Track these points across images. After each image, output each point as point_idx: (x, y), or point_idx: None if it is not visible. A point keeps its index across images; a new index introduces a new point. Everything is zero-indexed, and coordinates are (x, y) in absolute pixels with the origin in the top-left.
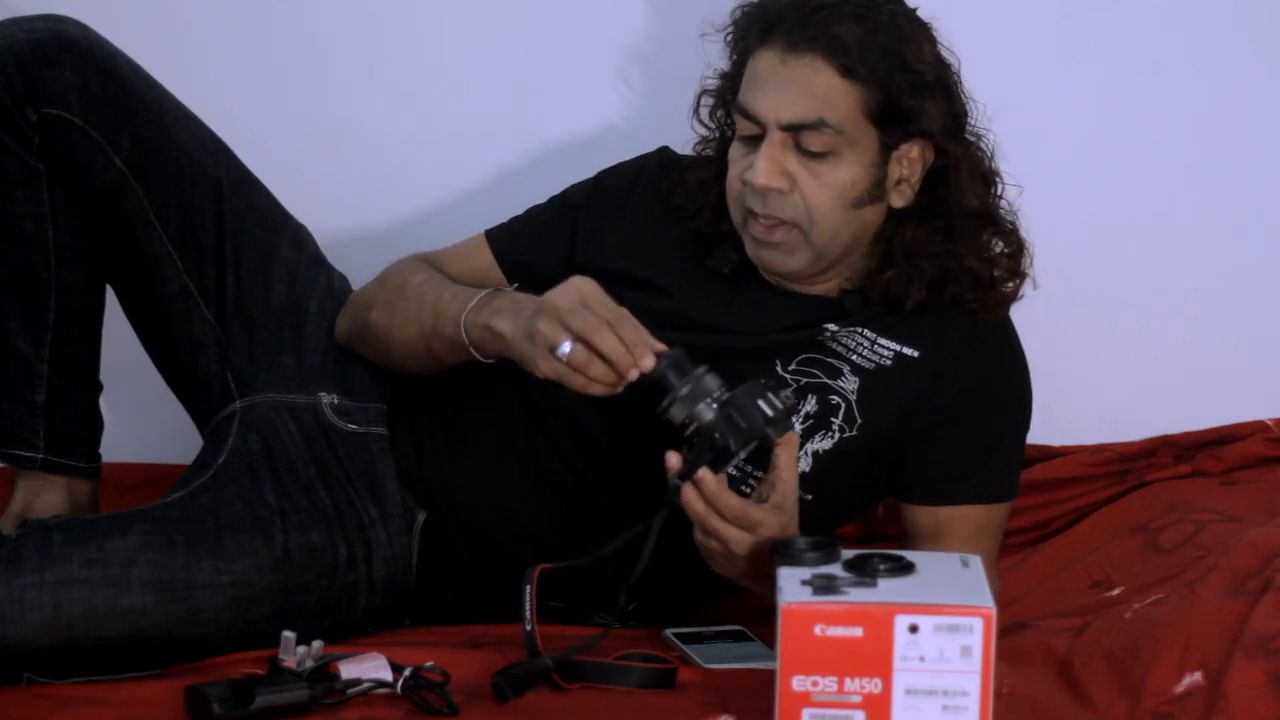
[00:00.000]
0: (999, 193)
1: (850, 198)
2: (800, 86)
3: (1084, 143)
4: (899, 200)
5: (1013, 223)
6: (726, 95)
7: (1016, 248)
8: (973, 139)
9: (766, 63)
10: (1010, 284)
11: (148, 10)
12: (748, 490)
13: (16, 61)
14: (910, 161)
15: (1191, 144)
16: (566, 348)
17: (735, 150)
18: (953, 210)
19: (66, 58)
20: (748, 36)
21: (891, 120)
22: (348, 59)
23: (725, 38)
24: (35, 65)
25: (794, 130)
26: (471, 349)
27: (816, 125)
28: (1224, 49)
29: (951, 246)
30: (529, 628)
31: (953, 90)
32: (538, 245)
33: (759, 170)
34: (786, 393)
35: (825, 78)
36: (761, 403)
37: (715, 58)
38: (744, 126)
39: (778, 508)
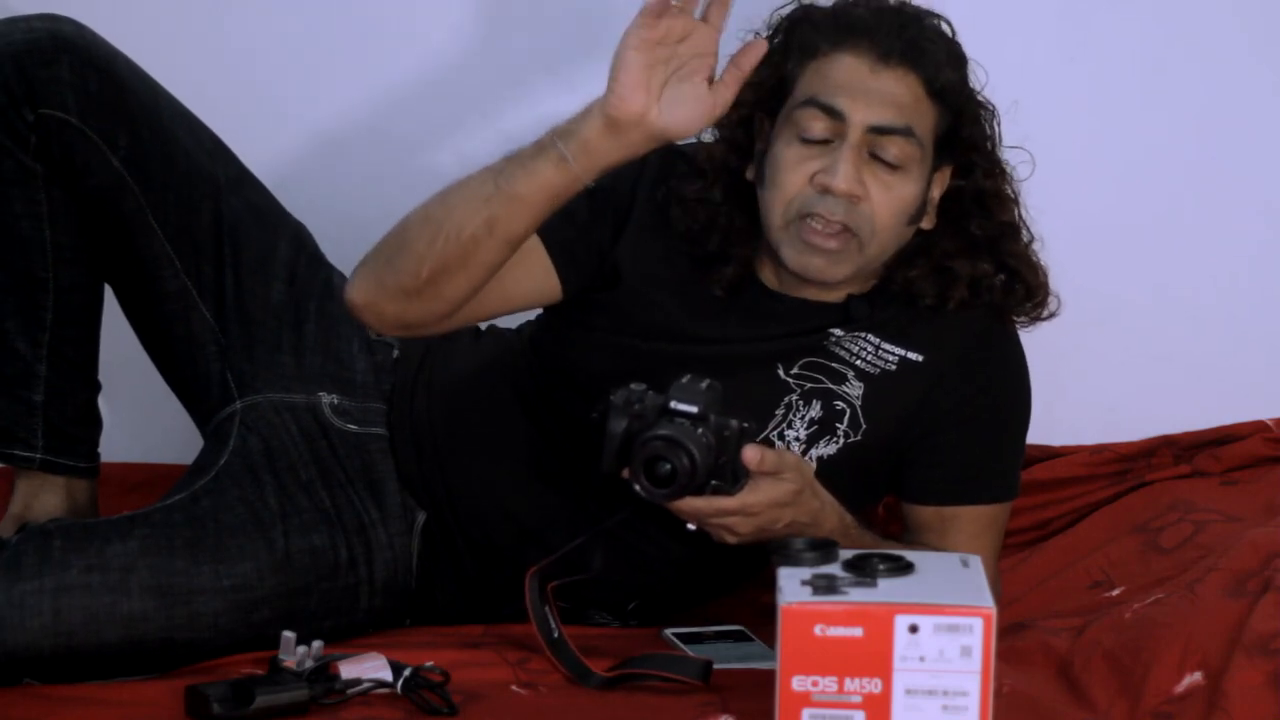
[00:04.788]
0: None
1: (908, 214)
2: (891, 95)
3: (1084, 143)
4: (928, 223)
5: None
6: (767, 93)
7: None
8: (1002, 164)
9: (850, 67)
10: (1052, 298)
11: (146, 10)
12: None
13: (13, 61)
14: (937, 185)
15: (1192, 143)
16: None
17: (794, 151)
18: (991, 225)
19: (64, 57)
20: (814, 38)
21: (947, 145)
22: (347, 57)
23: (767, 36)
24: (32, 65)
25: (880, 134)
26: (570, 154)
27: (905, 133)
28: (1224, 49)
29: (994, 255)
30: (556, 635)
31: (988, 118)
32: (585, 230)
33: (842, 175)
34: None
35: (914, 92)
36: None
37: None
38: (814, 127)
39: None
